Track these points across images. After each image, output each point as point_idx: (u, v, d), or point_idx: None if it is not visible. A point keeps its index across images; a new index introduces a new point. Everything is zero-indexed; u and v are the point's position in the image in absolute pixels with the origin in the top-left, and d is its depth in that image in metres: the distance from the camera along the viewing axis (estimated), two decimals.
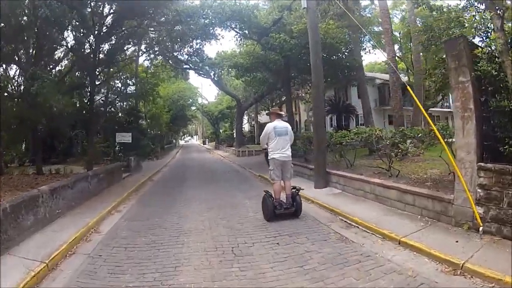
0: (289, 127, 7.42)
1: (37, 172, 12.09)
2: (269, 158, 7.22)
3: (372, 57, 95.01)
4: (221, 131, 52.29)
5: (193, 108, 52.91)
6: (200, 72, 27.12)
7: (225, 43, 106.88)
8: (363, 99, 18.91)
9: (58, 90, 10.49)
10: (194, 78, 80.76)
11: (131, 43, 17.98)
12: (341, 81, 22.94)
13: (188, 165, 22.03)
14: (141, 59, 26.04)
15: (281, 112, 7.79)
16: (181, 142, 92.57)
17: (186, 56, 24.65)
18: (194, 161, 25.86)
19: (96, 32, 13.11)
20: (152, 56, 23.56)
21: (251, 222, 6.88)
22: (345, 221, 6.61)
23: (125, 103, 27.75)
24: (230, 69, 23.73)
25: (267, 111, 44.72)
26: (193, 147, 64.06)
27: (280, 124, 7.25)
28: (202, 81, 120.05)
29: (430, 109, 25.85)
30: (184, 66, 27.21)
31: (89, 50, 14.03)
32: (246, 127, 54.46)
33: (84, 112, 15.24)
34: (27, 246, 5.25)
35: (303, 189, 7.54)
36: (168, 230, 6.50)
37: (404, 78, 30.09)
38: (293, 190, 7.09)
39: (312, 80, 11.00)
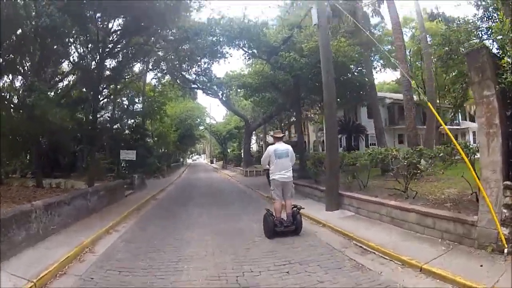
0: (290, 148, 7.66)
1: (36, 185, 11.67)
2: (270, 179, 7.59)
3: (381, 77, 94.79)
4: (229, 150, 51.81)
5: (201, 127, 52.88)
6: (208, 92, 26.91)
7: (234, 61, 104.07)
8: (376, 119, 18.55)
9: (57, 103, 10.23)
10: (202, 98, 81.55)
11: (138, 60, 18.07)
12: (351, 101, 22.47)
13: (194, 185, 21.56)
14: (148, 77, 26.08)
15: (280, 135, 7.94)
16: (189, 161, 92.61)
17: (194, 76, 24.52)
18: (201, 181, 25.35)
19: (101, 47, 12.95)
20: (159, 74, 23.55)
21: (258, 247, 6.40)
22: (360, 247, 6.09)
23: (132, 121, 27.71)
24: (238, 89, 23.61)
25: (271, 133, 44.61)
26: (201, 166, 63.83)
27: (281, 146, 7.54)
28: (210, 101, 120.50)
29: (440, 127, 25.30)
30: (192, 86, 27.02)
31: (93, 66, 13.90)
32: (254, 147, 54.05)
33: (88, 127, 14.93)
34: (18, 262, 5.02)
35: (303, 208, 7.69)
36: (167, 254, 6.01)
37: (414, 98, 29.65)
38: (294, 209, 7.33)
39: (324, 99, 10.55)
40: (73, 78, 16.68)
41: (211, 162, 72.67)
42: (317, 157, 12.92)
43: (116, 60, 15.24)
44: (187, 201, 13.53)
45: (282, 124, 43.46)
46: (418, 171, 7.66)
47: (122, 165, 19.95)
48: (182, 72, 23.38)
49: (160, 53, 18.71)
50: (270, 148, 7.64)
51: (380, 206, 7.63)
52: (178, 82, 26.17)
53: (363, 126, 28.07)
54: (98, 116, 16.80)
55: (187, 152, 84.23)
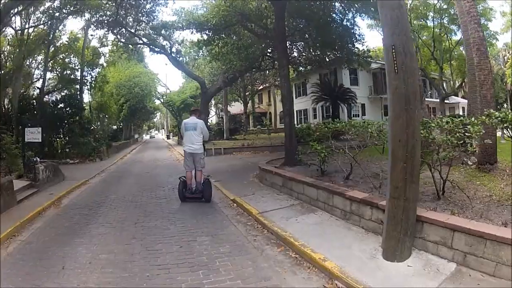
0: (199, 123, 8.15)
1: None
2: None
3: None
4: None
5: (156, 100, 46.60)
6: (155, 48, 20.50)
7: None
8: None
9: None
10: (153, 64, 73.36)
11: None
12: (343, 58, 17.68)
13: (131, 172, 15.90)
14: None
15: (193, 109, 9.46)
16: (146, 137, 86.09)
17: (135, 25, 18.51)
18: (143, 164, 19.49)
19: None
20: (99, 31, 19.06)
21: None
22: None
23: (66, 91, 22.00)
24: (190, 32, 17.13)
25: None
26: (155, 142, 56.75)
27: (191, 120, 8.29)
28: (164, 69, 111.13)
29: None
30: (136, 41, 20.95)
31: None
32: (213, 119, 48.60)
33: None
34: None
35: (210, 176, 8.75)
36: None
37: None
38: (205, 179, 8.23)
39: None
40: None
41: (168, 137, 66.36)
42: (332, 128, 7.93)
43: None
44: (107, 206, 8.55)
45: (247, 93, 38.33)
46: None
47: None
48: (120, 19, 17.36)
49: None
50: (183, 122, 8.66)
51: None
52: (119, 37, 20.31)
53: (353, 92, 23.55)
54: None
55: (143, 127, 77.62)
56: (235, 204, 7.88)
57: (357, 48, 17.50)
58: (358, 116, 27.42)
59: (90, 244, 5.59)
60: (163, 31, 18.45)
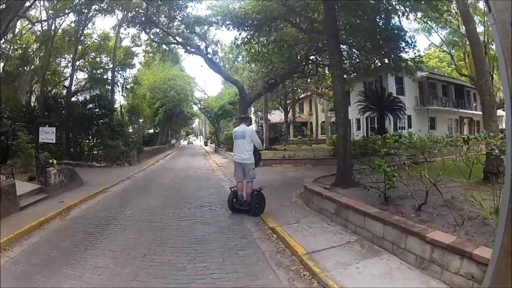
0: (248, 131, 7.70)
1: None
2: None
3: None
4: (226, 132, 41.14)
5: (194, 106, 45.71)
6: (190, 48, 19.08)
7: None
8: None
9: None
10: (190, 69, 73.66)
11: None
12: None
13: (158, 181, 14.16)
14: None
15: (242, 117, 9.04)
16: (184, 143, 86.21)
17: (166, 21, 17.33)
18: (173, 172, 17.62)
19: None
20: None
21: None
22: None
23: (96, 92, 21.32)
24: (226, 28, 15.19)
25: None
26: (192, 149, 55.43)
27: (240, 128, 7.85)
28: (204, 75, 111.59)
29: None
30: (170, 41, 19.78)
31: None
32: (253, 127, 46.68)
33: None
34: None
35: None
36: None
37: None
38: (256, 191, 7.52)
39: None
40: None
41: (205, 144, 65.60)
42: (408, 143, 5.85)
43: None
44: (109, 229, 6.88)
45: (288, 101, 36.48)
46: None
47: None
48: (152, 17, 16.29)
49: None
50: (233, 130, 8.37)
51: None
52: (152, 37, 19.30)
53: (402, 101, 21.27)
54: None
55: (180, 132, 77.78)
56: (275, 235, 6.09)
57: (406, 52, 15.45)
58: (404, 129, 25.29)
59: (79, 280, 4.33)
60: (197, 29, 17.07)
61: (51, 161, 11.07)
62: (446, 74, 32.84)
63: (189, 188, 12.13)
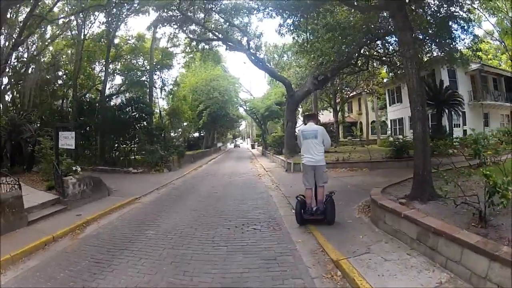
0: (320, 130, 6.89)
1: None
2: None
3: None
4: (273, 134, 38.14)
5: (240, 108, 44.56)
6: (230, 43, 17.71)
7: None
8: None
9: None
10: (234, 69, 73.03)
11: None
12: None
13: (196, 189, 12.54)
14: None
15: (310, 114, 8.39)
16: (230, 146, 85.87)
17: (204, 16, 16.08)
18: (216, 179, 15.84)
19: None
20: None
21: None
22: None
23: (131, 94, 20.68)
24: (269, 13, 13.44)
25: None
26: (238, 152, 53.65)
27: (310, 127, 7.03)
28: (249, 76, 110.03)
29: None
30: (208, 37, 18.49)
31: None
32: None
33: None
34: None
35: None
36: None
37: None
38: (328, 196, 6.77)
39: None
40: None
41: (253, 147, 64.22)
42: None
43: None
44: (121, 257, 5.43)
45: (338, 100, 34.24)
46: None
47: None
48: (187, 13, 15.10)
49: None
50: (299, 129, 7.61)
51: None
52: (190, 35, 18.21)
53: (461, 96, 18.74)
54: None
55: (227, 136, 77.26)
56: (339, 273, 4.33)
57: (463, 39, 13.62)
58: (459, 126, 23.08)
59: None
60: (236, 21, 15.62)
61: (74, 168, 10.01)
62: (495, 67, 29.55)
63: (230, 198, 10.46)
